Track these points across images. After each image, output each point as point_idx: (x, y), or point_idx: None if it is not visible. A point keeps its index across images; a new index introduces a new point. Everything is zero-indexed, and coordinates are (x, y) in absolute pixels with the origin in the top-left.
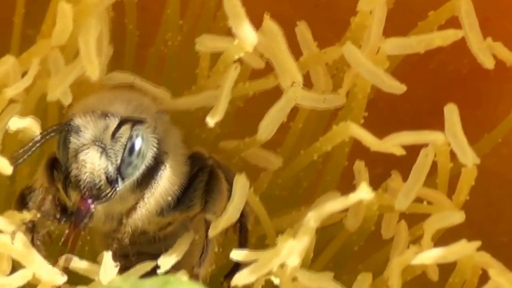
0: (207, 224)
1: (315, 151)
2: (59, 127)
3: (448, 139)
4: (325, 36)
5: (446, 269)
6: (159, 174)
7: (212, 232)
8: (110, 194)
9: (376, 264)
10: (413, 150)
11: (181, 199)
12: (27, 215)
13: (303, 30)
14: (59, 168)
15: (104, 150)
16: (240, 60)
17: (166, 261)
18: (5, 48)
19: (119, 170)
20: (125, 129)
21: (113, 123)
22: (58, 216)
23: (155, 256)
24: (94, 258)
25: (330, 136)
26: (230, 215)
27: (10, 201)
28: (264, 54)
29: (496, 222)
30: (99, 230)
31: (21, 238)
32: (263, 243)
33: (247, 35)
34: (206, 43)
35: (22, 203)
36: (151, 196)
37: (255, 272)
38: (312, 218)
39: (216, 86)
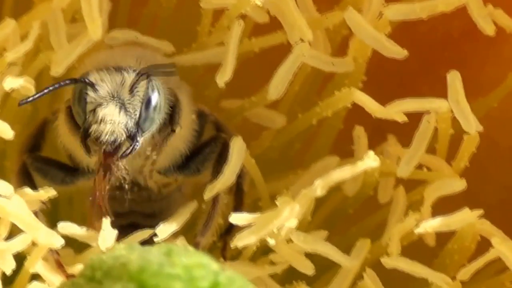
0: (215, 195)
1: (314, 116)
2: (75, 80)
3: (451, 106)
4: (318, 2)
5: (443, 234)
6: (173, 129)
7: (207, 194)
8: (131, 149)
9: (370, 228)
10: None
11: (188, 163)
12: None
13: None
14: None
15: (122, 105)
16: (242, 16)
17: (164, 230)
18: None
19: (138, 124)
20: (142, 83)
21: (130, 76)
22: (64, 176)
23: (147, 216)
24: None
25: (331, 101)
26: (226, 177)
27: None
28: (270, 10)
29: (485, 185)
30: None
31: (19, 202)
32: (257, 206)
33: None
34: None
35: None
36: (162, 150)
37: (255, 233)
38: (320, 186)
39: (217, 43)
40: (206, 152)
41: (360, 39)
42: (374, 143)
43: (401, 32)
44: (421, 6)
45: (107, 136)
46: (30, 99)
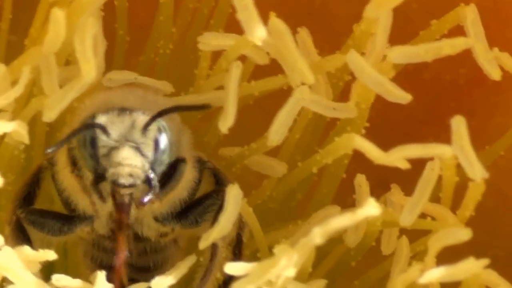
0: (214, 248)
1: (314, 164)
2: (85, 126)
3: (456, 152)
4: (319, 45)
5: (448, 286)
6: (179, 172)
7: (202, 243)
8: (152, 193)
9: (373, 281)
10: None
11: (186, 213)
12: None
13: (304, 37)
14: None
15: (137, 148)
16: (242, 60)
17: (160, 283)
18: None
19: (153, 167)
20: (153, 125)
21: (139, 118)
22: (62, 226)
23: (142, 270)
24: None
25: (332, 148)
26: (222, 225)
27: None
28: (270, 52)
29: (492, 236)
30: (86, 240)
31: (10, 254)
32: (255, 258)
33: (256, 28)
34: (209, 41)
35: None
36: (165, 195)
37: (252, 282)
38: (318, 234)
39: (216, 87)
40: (206, 204)
41: (362, 83)
42: (378, 194)
43: (406, 79)
44: (426, 49)
45: (126, 179)
46: (53, 148)
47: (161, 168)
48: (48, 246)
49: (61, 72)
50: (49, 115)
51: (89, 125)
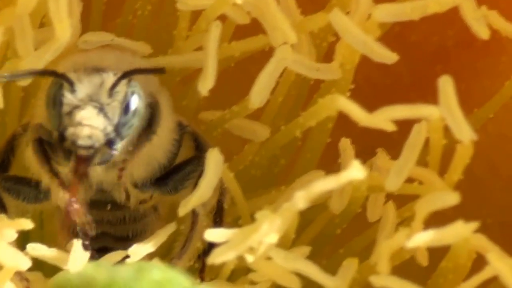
0: (195, 216)
1: (298, 127)
2: (55, 73)
3: (443, 113)
4: (302, 5)
5: (436, 253)
6: (151, 135)
7: (181, 210)
8: (109, 156)
9: (359, 248)
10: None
11: (166, 179)
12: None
13: None
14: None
15: (101, 109)
16: (222, 20)
17: (138, 251)
18: None
19: (117, 130)
20: (122, 85)
21: (109, 79)
22: (38, 193)
23: (120, 240)
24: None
25: (315, 110)
26: (202, 191)
27: None
28: (251, 12)
29: (480, 203)
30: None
31: None
32: (237, 225)
33: None
34: (188, 0)
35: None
36: (139, 158)
37: (233, 248)
38: (301, 198)
39: (195, 49)
40: (186, 170)
41: (347, 43)
42: (364, 160)
43: (392, 41)
44: (412, 6)
45: (84, 140)
46: (8, 76)
47: (128, 132)
48: (23, 214)
49: (36, 34)
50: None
51: (54, 73)
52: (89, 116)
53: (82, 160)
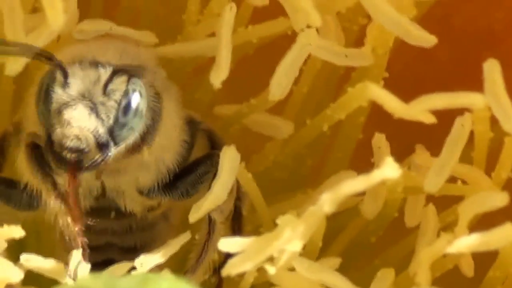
0: (211, 223)
1: (325, 121)
2: (49, 57)
3: (488, 101)
4: None
5: (483, 261)
6: (155, 138)
7: (192, 217)
8: (99, 161)
9: (396, 258)
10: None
11: (175, 183)
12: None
13: None
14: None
15: (94, 108)
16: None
17: (145, 262)
18: None
19: (111, 132)
20: (120, 82)
21: (106, 74)
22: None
23: (127, 251)
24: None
25: (344, 100)
26: (215, 194)
27: None
28: None
29: None
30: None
31: None
32: (258, 234)
33: None
34: None
35: None
36: (142, 163)
37: (251, 258)
38: (327, 201)
39: (208, 34)
40: (198, 172)
41: (379, 25)
42: (401, 157)
43: (434, 25)
44: None
45: (72, 142)
46: None
47: (127, 135)
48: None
49: (27, 19)
50: (13, 67)
51: (50, 58)
52: (79, 116)
53: (72, 165)
